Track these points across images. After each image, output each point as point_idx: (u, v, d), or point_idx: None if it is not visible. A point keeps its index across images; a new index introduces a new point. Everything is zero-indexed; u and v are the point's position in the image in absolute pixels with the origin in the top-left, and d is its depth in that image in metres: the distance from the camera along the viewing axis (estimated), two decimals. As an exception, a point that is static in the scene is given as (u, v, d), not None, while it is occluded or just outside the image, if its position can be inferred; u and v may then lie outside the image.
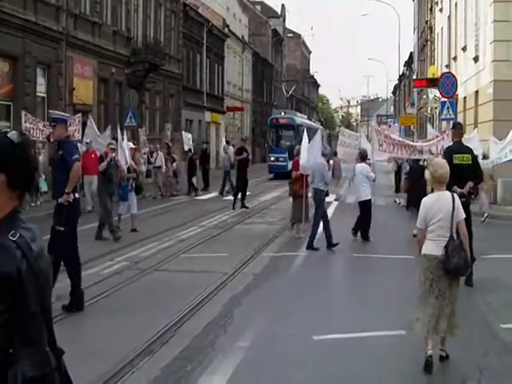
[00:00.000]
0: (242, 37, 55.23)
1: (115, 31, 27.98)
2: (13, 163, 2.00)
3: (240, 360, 5.99)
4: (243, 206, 19.90)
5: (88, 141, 18.71)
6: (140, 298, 8.58)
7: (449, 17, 30.83)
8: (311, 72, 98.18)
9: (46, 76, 22.32)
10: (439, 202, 5.96)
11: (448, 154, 9.39)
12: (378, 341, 6.65)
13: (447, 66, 30.31)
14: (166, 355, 6.09)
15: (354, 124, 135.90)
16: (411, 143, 14.08)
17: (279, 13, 75.87)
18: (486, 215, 16.25)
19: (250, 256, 11.56)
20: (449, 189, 6.28)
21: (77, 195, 8.08)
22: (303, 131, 15.27)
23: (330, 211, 16.44)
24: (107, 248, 12.14)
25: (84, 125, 18.99)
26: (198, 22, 41.12)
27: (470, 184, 9.13)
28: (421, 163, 15.51)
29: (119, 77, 28.38)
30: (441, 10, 34.73)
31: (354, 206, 19.35)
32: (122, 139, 14.97)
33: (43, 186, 18.36)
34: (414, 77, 47.92)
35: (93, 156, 19.02)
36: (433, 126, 29.37)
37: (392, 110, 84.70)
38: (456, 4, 28.60)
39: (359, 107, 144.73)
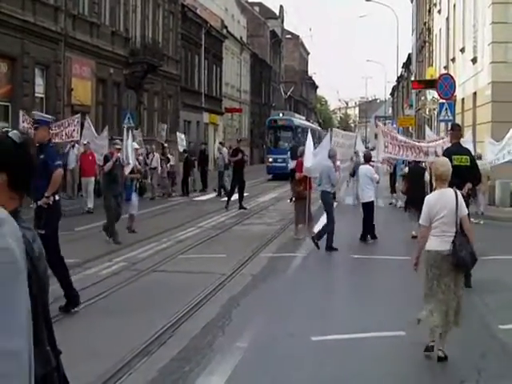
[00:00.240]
0: (241, 38, 55.23)
1: (113, 32, 27.96)
2: (14, 163, 1.99)
3: (238, 361, 5.97)
4: (241, 207, 19.88)
5: (85, 142, 18.68)
6: (138, 298, 8.56)
7: (447, 18, 30.87)
8: (309, 73, 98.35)
9: (45, 76, 22.28)
10: (442, 200, 6.04)
11: (446, 155, 9.38)
12: (377, 342, 6.64)
13: (445, 68, 30.35)
14: (164, 356, 6.07)
15: (352, 125, 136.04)
16: (417, 144, 13.91)
17: (277, 14, 75.97)
18: (481, 214, 16.33)
19: (249, 257, 11.55)
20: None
21: (57, 197, 7.89)
22: (302, 132, 15.29)
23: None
24: (106, 249, 12.12)
25: (82, 126, 18.95)
26: (196, 23, 41.12)
27: (468, 185, 9.13)
28: (421, 164, 15.46)
29: (117, 77, 28.36)
30: (439, 12, 34.77)
31: (353, 206, 19.49)
32: (127, 138, 14.84)
33: None
34: (413, 78, 47.91)
35: (90, 158, 18.97)
36: (431, 127, 29.42)
37: (390, 111, 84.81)
38: (454, 5, 28.65)
39: (357, 108, 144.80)
